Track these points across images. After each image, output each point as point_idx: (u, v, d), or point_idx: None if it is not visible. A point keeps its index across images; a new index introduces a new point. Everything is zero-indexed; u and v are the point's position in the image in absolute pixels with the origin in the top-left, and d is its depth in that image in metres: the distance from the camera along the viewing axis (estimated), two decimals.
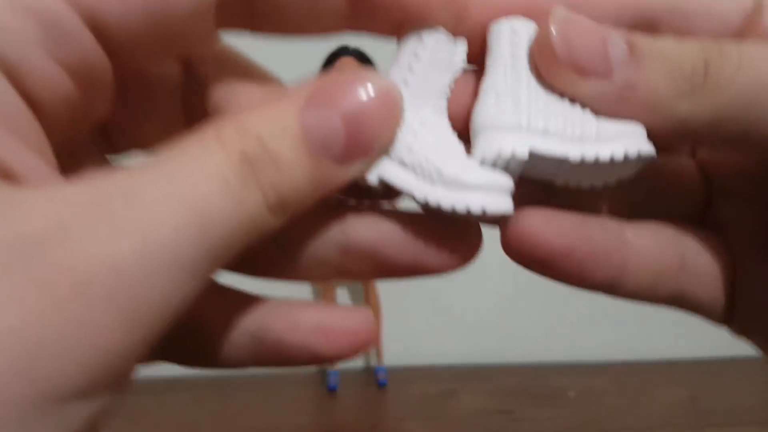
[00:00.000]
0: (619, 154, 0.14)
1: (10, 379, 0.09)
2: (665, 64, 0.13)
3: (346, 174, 0.13)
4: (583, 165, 0.15)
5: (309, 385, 0.64)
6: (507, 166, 0.15)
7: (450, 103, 0.16)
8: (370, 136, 0.13)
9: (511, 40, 0.15)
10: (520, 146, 0.14)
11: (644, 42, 0.13)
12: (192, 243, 0.11)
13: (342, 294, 0.68)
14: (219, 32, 0.14)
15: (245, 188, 0.12)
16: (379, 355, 0.66)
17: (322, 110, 0.12)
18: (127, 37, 0.13)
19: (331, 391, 0.62)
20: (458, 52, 0.16)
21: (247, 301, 0.15)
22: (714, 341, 0.74)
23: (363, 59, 0.61)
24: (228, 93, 0.15)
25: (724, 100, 0.13)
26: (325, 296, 0.64)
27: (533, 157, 0.15)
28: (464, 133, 0.16)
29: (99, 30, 0.12)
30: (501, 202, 0.14)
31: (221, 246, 0.12)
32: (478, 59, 0.16)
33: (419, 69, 0.15)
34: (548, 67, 0.14)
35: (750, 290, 0.16)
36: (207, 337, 0.15)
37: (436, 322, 0.70)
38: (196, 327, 0.15)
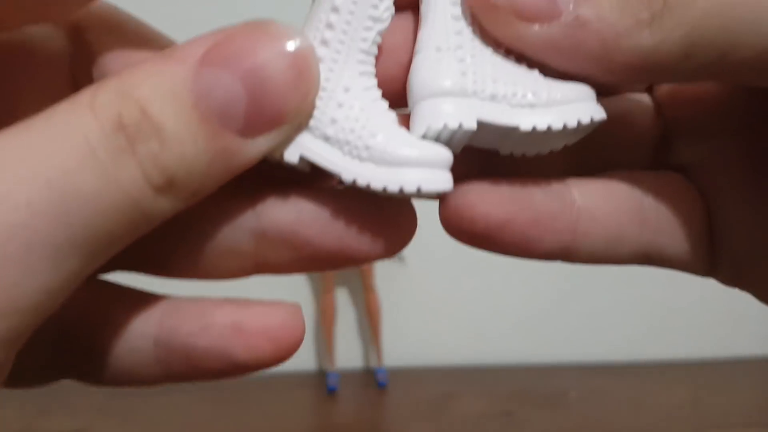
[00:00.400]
0: (572, 122, 0.13)
1: None
2: None
3: (251, 149, 0.11)
4: (533, 134, 0.13)
5: (309, 386, 0.64)
6: (451, 138, 0.13)
7: (379, 62, 0.14)
8: (278, 103, 0.11)
9: None
10: (467, 116, 0.13)
11: None
12: (49, 223, 0.09)
13: (342, 294, 0.68)
14: None
15: (117, 162, 0.10)
16: (379, 356, 0.66)
17: (218, 70, 0.10)
18: None
19: (331, 392, 0.62)
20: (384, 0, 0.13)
21: (147, 301, 0.13)
22: (716, 342, 0.74)
23: None
24: (118, 62, 0.13)
25: (692, 22, 0.11)
26: (323, 299, 0.64)
27: (481, 127, 0.13)
28: (396, 98, 0.14)
29: None
30: (439, 179, 0.13)
31: (90, 231, 0.10)
32: (410, 4, 0.14)
33: (339, 24, 0.13)
34: (486, 15, 0.12)
35: (733, 233, 0.15)
36: (100, 348, 0.13)
37: (437, 323, 0.70)
38: (87, 337, 0.13)
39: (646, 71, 0.12)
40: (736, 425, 0.57)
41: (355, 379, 0.66)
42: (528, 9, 0.11)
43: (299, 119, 0.11)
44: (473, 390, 0.63)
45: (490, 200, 0.13)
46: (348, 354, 0.69)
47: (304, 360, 0.69)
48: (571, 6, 0.11)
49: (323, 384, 0.64)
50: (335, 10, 0.13)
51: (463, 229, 0.14)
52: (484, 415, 0.58)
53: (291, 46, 0.11)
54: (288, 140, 0.12)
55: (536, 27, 0.12)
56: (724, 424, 0.57)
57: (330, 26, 0.13)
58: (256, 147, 0.11)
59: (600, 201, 0.14)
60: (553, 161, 0.15)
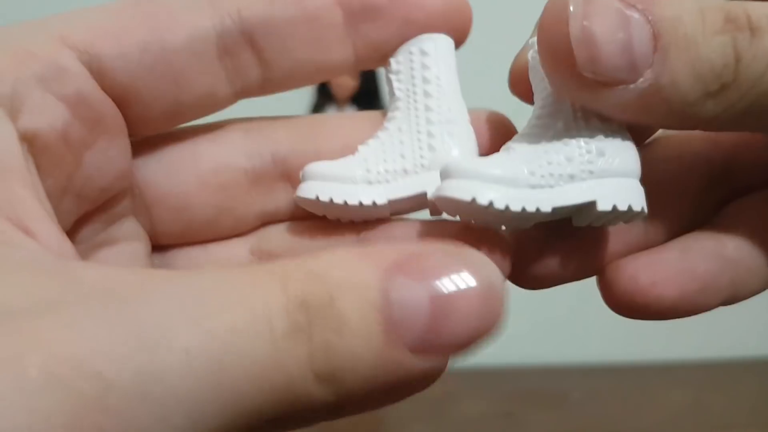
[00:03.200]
0: (637, 207, 0.13)
1: None
2: (693, 61, 0.12)
3: (416, 366, 0.10)
4: (602, 213, 0.14)
5: None
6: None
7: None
8: (457, 332, 0.10)
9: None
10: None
11: (668, 28, 0.12)
12: (199, 375, 0.09)
13: None
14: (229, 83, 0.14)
15: (289, 338, 0.09)
16: None
17: (410, 282, 0.10)
18: (128, 77, 0.12)
19: None
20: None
21: None
22: (719, 342, 0.74)
23: None
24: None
25: (754, 98, 0.12)
26: None
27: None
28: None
29: (95, 68, 0.12)
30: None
31: (236, 396, 0.09)
32: None
33: (441, 76, 0.16)
34: (567, 81, 0.12)
35: None
36: None
37: None
38: None
39: (702, 127, 0.13)
40: (738, 426, 0.57)
41: None
42: (610, 76, 0.12)
43: (468, 352, 0.11)
44: (474, 391, 0.63)
45: (662, 279, 0.14)
46: None
47: None
48: (649, 72, 0.12)
49: None
50: (427, 67, 0.16)
51: (637, 311, 0.15)
52: (484, 416, 0.58)
53: (485, 277, 0.10)
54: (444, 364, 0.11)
55: (615, 91, 0.12)
56: (725, 425, 0.57)
57: (428, 80, 0.16)
58: (421, 366, 0.10)
59: (749, 249, 0.15)
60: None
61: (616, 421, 0.58)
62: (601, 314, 0.70)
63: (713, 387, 0.66)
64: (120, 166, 0.14)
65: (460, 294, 0.10)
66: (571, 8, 0.12)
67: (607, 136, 0.13)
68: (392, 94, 0.16)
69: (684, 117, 0.12)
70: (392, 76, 0.16)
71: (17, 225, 0.10)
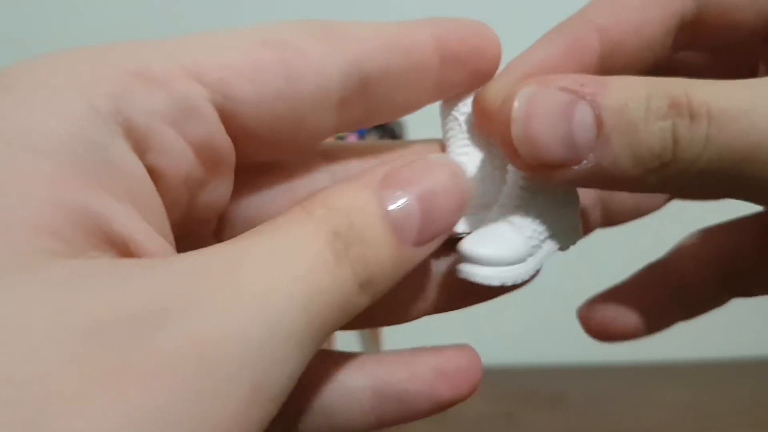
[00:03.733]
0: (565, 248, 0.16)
1: None
2: (632, 143, 0.13)
3: (418, 255, 0.13)
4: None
5: None
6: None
7: None
8: (444, 221, 0.13)
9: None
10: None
11: (611, 112, 0.13)
12: (301, 315, 0.11)
13: None
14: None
15: (338, 265, 0.12)
16: None
17: (399, 192, 0.13)
18: (255, 122, 0.13)
19: None
20: None
21: (350, 358, 0.16)
22: (717, 343, 0.74)
23: None
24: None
25: (692, 175, 0.13)
26: None
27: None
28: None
29: (226, 111, 0.12)
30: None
31: (321, 321, 0.12)
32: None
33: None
34: (516, 162, 0.14)
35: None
36: (315, 408, 0.15)
37: (437, 324, 0.70)
38: (308, 400, 0.15)
39: (651, 192, 0.14)
40: (737, 426, 0.57)
41: None
42: (553, 162, 0.13)
43: (449, 231, 0.14)
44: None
45: (623, 319, 0.18)
46: None
47: None
48: (591, 156, 0.13)
49: None
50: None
51: (605, 338, 0.19)
52: (484, 416, 0.58)
53: (451, 172, 0.13)
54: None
55: (562, 171, 0.13)
56: (725, 426, 0.57)
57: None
58: (421, 253, 0.13)
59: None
60: None
61: (615, 421, 0.58)
62: None
63: (713, 387, 0.66)
64: (225, 198, 0.14)
65: (437, 190, 0.13)
66: (516, 105, 0.13)
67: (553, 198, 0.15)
68: (459, 139, 0.16)
69: (630, 187, 0.14)
70: (461, 119, 0.16)
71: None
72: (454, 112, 0.16)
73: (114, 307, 0.09)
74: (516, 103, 0.13)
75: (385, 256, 0.12)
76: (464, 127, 0.16)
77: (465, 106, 0.16)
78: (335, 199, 0.12)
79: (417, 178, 0.13)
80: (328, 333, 0.12)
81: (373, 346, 0.67)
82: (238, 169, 0.14)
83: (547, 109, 0.13)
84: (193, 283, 0.10)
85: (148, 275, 0.10)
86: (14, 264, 0.09)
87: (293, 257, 0.11)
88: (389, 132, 0.63)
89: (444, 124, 0.16)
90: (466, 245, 0.15)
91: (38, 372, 0.08)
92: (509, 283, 0.15)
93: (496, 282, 0.15)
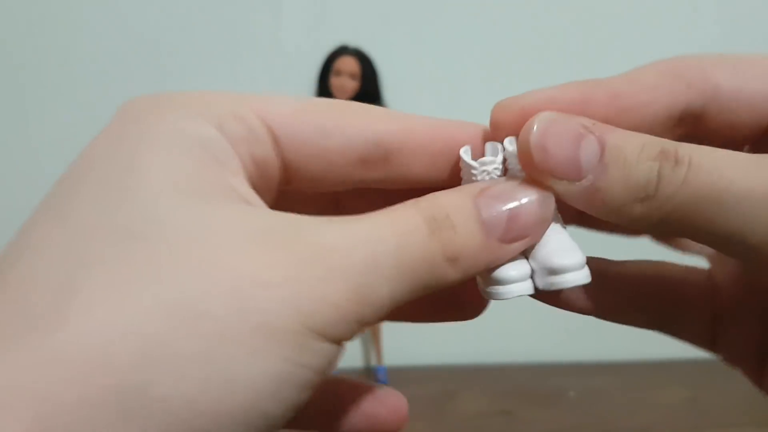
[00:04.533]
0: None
1: (286, 315, 0.13)
2: (625, 174, 0.16)
3: (503, 252, 0.17)
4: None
5: None
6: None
7: None
8: (525, 227, 0.17)
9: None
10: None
11: (613, 147, 0.17)
12: (393, 268, 0.15)
13: None
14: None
15: (431, 239, 0.15)
16: (379, 355, 0.66)
17: (494, 201, 0.17)
18: (294, 154, 0.17)
19: None
20: None
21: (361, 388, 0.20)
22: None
23: (362, 58, 0.61)
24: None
25: (669, 209, 0.16)
26: None
27: None
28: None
29: (277, 142, 0.17)
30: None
31: (413, 273, 0.15)
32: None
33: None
34: (529, 171, 0.17)
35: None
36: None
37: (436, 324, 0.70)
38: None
39: (637, 227, 0.17)
40: (734, 424, 0.58)
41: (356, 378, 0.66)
42: (557, 171, 0.17)
43: (533, 242, 0.18)
44: (472, 389, 0.64)
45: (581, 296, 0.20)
46: (349, 353, 0.70)
47: None
48: (591, 176, 0.16)
49: None
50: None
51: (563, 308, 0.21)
52: (483, 414, 0.58)
53: (540, 199, 0.17)
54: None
55: (564, 183, 0.17)
56: (722, 423, 0.58)
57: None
58: (505, 251, 0.17)
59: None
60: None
61: (613, 418, 0.58)
62: None
63: (710, 385, 0.66)
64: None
65: (522, 206, 0.17)
66: (536, 123, 0.17)
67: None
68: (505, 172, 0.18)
69: (618, 215, 0.17)
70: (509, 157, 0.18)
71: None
72: (508, 147, 0.18)
73: (278, 220, 0.15)
74: (536, 123, 0.17)
75: (471, 243, 0.16)
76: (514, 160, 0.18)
77: (511, 145, 0.18)
78: (439, 198, 0.16)
79: (509, 196, 0.17)
80: (418, 287, 0.15)
81: (372, 342, 0.67)
82: (279, 191, 0.18)
83: (562, 131, 0.17)
84: (327, 224, 0.15)
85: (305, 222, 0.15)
86: (224, 193, 0.15)
87: (395, 223, 0.15)
88: None
89: (486, 163, 0.19)
90: (554, 259, 0.18)
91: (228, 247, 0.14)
92: (588, 281, 0.18)
93: (585, 281, 0.18)
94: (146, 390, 0.12)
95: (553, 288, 0.18)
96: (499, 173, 0.18)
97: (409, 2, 0.64)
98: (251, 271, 0.13)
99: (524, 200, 0.17)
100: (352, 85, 0.60)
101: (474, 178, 0.18)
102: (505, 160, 0.18)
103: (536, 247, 0.18)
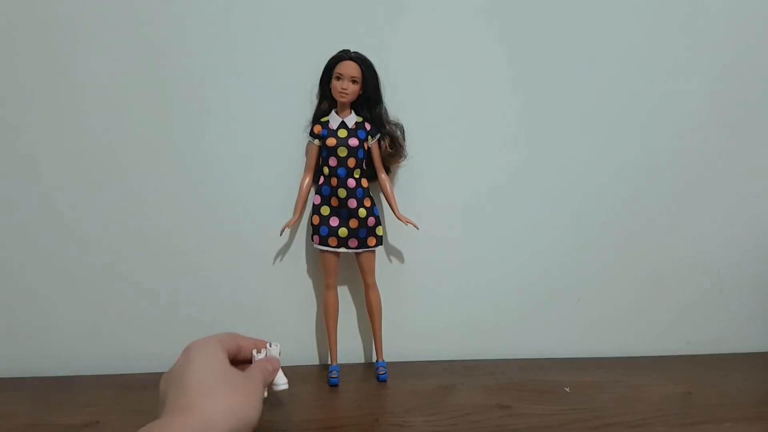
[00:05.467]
0: None
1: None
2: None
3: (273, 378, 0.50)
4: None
5: (311, 380, 0.65)
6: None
7: None
8: (275, 372, 0.51)
9: None
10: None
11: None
12: (262, 391, 0.46)
13: (343, 291, 0.69)
14: None
15: (265, 379, 0.50)
16: (379, 350, 0.67)
17: (269, 369, 0.50)
18: (233, 357, 0.48)
19: (333, 385, 0.63)
20: None
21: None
22: (709, 337, 0.75)
23: (363, 63, 0.61)
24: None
25: None
26: (325, 296, 0.65)
27: None
28: None
29: (236, 350, 0.49)
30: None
31: (262, 392, 0.46)
32: None
33: None
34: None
35: None
36: None
37: (435, 318, 0.71)
38: None
39: None
40: (728, 419, 0.58)
41: (356, 373, 0.67)
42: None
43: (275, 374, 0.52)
44: (470, 383, 0.64)
45: None
46: (349, 349, 0.71)
47: (306, 355, 0.70)
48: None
49: (325, 378, 0.65)
50: None
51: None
52: (481, 408, 0.59)
53: (275, 366, 0.55)
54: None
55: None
56: (717, 419, 0.58)
57: None
58: (273, 378, 0.52)
59: None
60: None
61: (608, 413, 0.58)
62: (596, 310, 0.73)
63: (705, 380, 0.66)
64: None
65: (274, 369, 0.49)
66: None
67: None
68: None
69: None
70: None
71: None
72: (258, 355, 0.51)
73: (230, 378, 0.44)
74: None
75: (269, 377, 0.48)
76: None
77: (259, 353, 0.51)
78: (263, 368, 0.47)
79: (271, 366, 0.48)
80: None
81: (373, 338, 0.68)
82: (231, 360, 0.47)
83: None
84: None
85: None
86: (226, 367, 0.45)
87: (252, 393, 0.43)
88: (389, 134, 0.64)
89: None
90: (278, 380, 0.50)
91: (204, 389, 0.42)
92: (287, 387, 0.50)
93: (285, 388, 0.50)
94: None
95: (279, 389, 0.49)
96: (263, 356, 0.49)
97: (411, 6, 0.65)
98: (231, 403, 0.40)
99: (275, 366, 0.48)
100: (353, 88, 0.61)
101: (255, 358, 0.49)
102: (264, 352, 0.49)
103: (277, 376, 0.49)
